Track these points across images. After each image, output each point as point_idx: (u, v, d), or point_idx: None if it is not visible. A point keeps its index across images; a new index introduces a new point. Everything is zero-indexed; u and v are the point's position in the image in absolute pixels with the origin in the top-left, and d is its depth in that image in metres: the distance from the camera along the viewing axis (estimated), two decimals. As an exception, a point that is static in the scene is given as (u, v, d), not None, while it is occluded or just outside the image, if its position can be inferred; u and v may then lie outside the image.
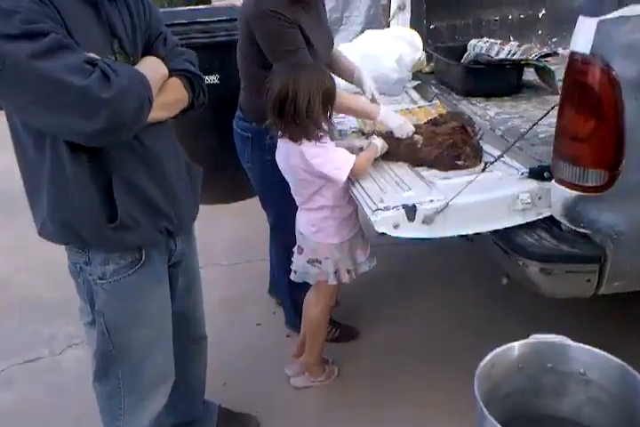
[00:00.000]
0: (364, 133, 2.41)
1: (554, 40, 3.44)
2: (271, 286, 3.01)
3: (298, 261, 2.27)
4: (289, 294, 2.64)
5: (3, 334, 3.04)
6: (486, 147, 2.23)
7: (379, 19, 4.24)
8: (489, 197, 1.88)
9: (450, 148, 2.12)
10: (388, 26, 3.20)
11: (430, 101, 2.88)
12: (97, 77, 1.30)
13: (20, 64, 1.26)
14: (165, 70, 1.56)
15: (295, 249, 2.28)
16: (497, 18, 3.38)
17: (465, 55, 3.08)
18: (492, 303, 2.91)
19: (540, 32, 3.44)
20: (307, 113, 1.94)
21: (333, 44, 2.36)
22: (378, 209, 1.84)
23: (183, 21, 3.63)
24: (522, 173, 1.97)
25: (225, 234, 3.74)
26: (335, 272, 2.21)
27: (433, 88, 3.00)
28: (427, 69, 3.22)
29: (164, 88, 1.55)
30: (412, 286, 3.16)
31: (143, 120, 1.41)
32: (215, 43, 3.62)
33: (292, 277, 2.31)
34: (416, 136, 2.20)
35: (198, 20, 3.63)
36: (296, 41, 2.07)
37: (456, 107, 2.72)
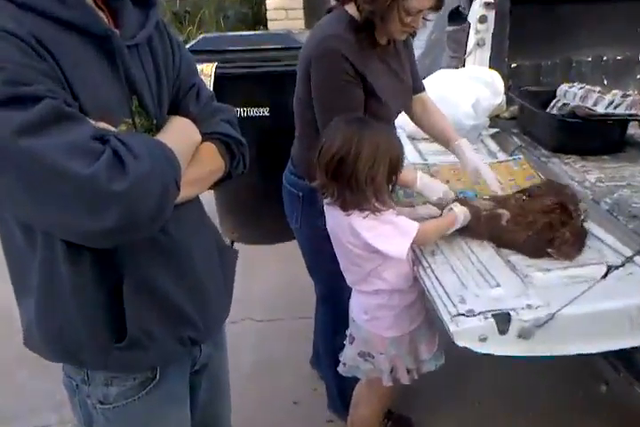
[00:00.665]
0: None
1: (656, 87, 2.98)
2: (314, 356, 2.60)
3: (348, 352, 1.87)
4: (334, 377, 2.23)
5: (10, 391, 2.72)
6: (589, 225, 1.81)
7: (441, 45, 3.84)
8: (605, 306, 1.45)
9: (543, 231, 1.70)
10: (464, 64, 2.79)
11: (512, 155, 2.46)
12: (107, 162, 0.93)
13: (4, 143, 0.90)
14: (198, 135, 1.20)
15: (347, 335, 1.88)
16: (589, 59, 2.94)
17: (554, 101, 2.65)
18: (564, 410, 2.44)
19: (638, 77, 2.98)
20: (367, 179, 1.56)
21: (412, 94, 1.97)
22: (459, 314, 1.43)
23: (233, 48, 3.30)
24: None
25: (262, 283, 3.34)
26: (391, 371, 1.80)
27: (515, 138, 2.58)
28: (506, 115, 2.80)
29: (195, 157, 1.18)
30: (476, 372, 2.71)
31: (168, 212, 1.04)
32: (268, 72, 3.28)
33: (341, 369, 1.91)
34: (501, 210, 1.78)
35: (250, 47, 3.29)
36: (353, 101, 1.70)
37: (545, 165, 2.29)
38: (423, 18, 1.64)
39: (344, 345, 1.92)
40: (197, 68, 1.29)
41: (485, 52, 2.76)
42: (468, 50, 2.73)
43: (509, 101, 2.73)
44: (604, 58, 2.95)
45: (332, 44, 1.65)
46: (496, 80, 2.60)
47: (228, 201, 3.65)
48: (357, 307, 1.79)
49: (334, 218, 1.69)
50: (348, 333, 1.89)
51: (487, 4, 2.62)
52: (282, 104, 3.01)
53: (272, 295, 3.25)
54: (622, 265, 1.48)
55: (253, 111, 3.32)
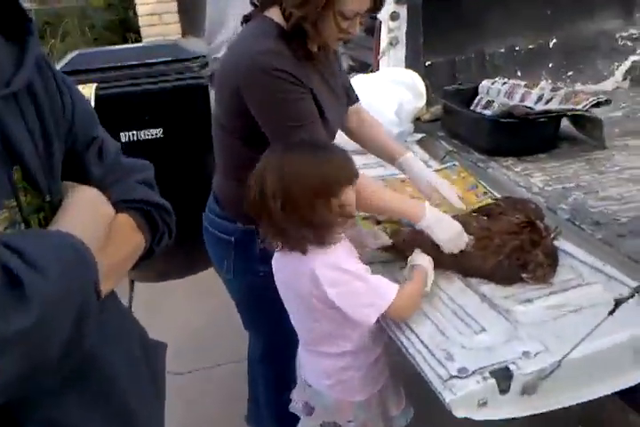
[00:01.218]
0: (378, 222, 1.75)
1: (569, 75, 2.90)
2: (250, 413, 2.22)
3: (305, 425, 1.59)
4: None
5: None
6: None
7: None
8: (611, 342, 1.27)
9: (513, 254, 1.50)
10: (377, 66, 2.57)
11: (444, 161, 2.26)
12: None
13: None
14: (109, 209, 0.88)
15: (297, 406, 1.59)
16: (502, 50, 2.81)
17: (477, 99, 2.49)
18: None
19: (550, 65, 2.89)
20: (309, 215, 1.28)
21: (347, 108, 1.71)
22: (451, 377, 1.19)
23: (114, 64, 2.90)
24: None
25: (175, 326, 2.86)
26: (362, 436, 1.54)
27: (443, 143, 2.38)
28: (427, 117, 2.61)
29: (107, 239, 0.86)
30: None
31: (88, 339, 0.72)
32: (158, 89, 2.91)
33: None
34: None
35: (134, 62, 2.91)
36: (308, 112, 1.42)
37: (485, 171, 2.11)
38: (360, 22, 1.38)
39: (290, 400, 1.64)
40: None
41: (400, 52, 2.55)
42: (382, 50, 2.51)
43: (429, 102, 2.54)
44: (517, 48, 2.83)
45: (266, 63, 1.35)
46: (417, 81, 2.40)
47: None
48: (316, 371, 1.51)
49: (287, 266, 1.41)
50: (295, 398, 1.60)
51: (398, 0, 2.40)
52: (177, 123, 2.68)
53: (190, 340, 2.80)
54: (631, 297, 1.30)
55: (145, 134, 2.95)
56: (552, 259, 1.52)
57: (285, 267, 1.43)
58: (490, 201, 1.74)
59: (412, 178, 1.71)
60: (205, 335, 2.86)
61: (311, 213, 1.27)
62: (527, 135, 2.14)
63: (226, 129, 1.53)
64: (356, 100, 1.75)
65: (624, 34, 2.89)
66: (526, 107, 2.08)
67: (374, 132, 1.75)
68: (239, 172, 1.44)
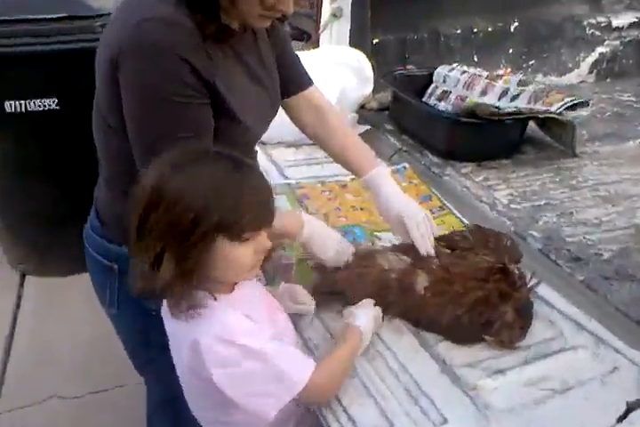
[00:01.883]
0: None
1: (531, 64, 2.58)
2: None
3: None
4: None
5: None
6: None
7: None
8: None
9: (476, 308, 1.17)
10: (317, 42, 2.16)
11: (392, 160, 1.91)
12: None
13: None
14: None
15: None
16: (459, 31, 2.46)
17: (431, 88, 2.13)
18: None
19: (511, 51, 2.56)
20: (191, 249, 0.89)
21: (279, 102, 1.28)
22: None
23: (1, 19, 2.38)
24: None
25: (66, 337, 2.43)
26: None
27: (391, 138, 2.03)
28: (373, 105, 2.24)
29: None
30: None
31: None
32: (52, 51, 2.41)
33: None
34: (420, 275, 1.22)
35: (24, 17, 2.39)
36: (194, 123, 1.01)
37: (440, 180, 1.77)
38: (295, -4, 0.98)
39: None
40: None
41: (344, 26, 2.15)
42: (323, 22, 2.10)
43: (375, 88, 2.16)
44: (475, 30, 2.48)
45: (156, 35, 0.93)
46: (364, 64, 2.01)
47: (10, 226, 2.75)
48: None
49: (168, 324, 1.03)
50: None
51: (345, -37, 2.00)
52: (75, 92, 2.17)
53: (83, 356, 2.36)
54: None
55: (35, 104, 2.45)
56: (524, 319, 1.19)
57: (167, 323, 1.05)
58: (459, 227, 1.40)
59: (377, 201, 1.31)
60: (104, 349, 2.43)
61: (196, 257, 0.88)
62: (490, 138, 1.81)
63: (109, 125, 1.10)
64: (308, 83, 1.32)
65: (592, 21, 2.59)
66: (493, 106, 1.74)
67: (340, 134, 1.33)
68: (126, 182, 1.02)
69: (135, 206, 0.89)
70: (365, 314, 1.12)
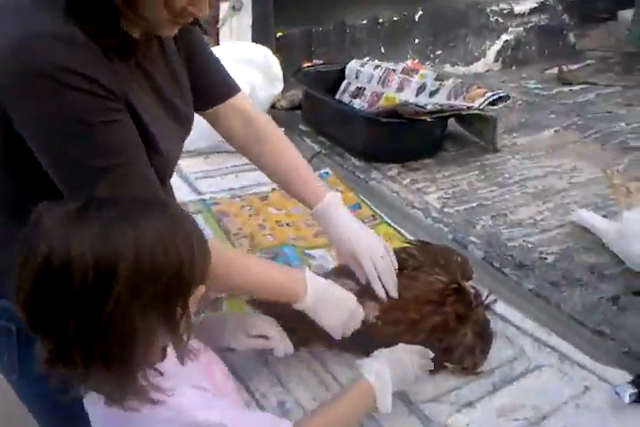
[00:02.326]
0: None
1: (438, 53, 2.52)
2: None
3: None
4: None
5: None
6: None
7: None
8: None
9: (434, 334, 1.06)
10: (217, 38, 1.98)
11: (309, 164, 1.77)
12: None
13: None
14: None
15: None
16: (364, 21, 2.35)
17: (344, 84, 2.01)
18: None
19: (417, 41, 2.49)
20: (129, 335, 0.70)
21: (192, 121, 1.08)
22: None
23: None
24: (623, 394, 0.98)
25: None
26: None
27: (307, 140, 1.89)
28: (283, 104, 2.09)
29: None
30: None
31: None
32: None
33: None
34: (368, 303, 1.09)
35: None
36: (126, 142, 0.80)
37: (366, 185, 1.66)
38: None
39: None
40: None
41: (245, 19, 1.97)
42: (222, 17, 1.92)
43: (285, 85, 2.01)
44: (380, 20, 2.38)
45: (42, 58, 0.72)
46: (271, 60, 1.85)
47: None
48: None
49: (93, 412, 0.83)
50: None
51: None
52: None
53: None
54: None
55: None
56: (484, 341, 1.10)
57: (95, 412, 0.85)
58: (396, 238, 1.28)
59: (329, 236, 1.13)
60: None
61: (132, 331, 0.69)
62: (414, 137, 1.71)
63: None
64: (235, 90, 1.10)
65: (495, 8, 2.56)
66: (416, 105, 1.64)
67: (282, 155, 1.13)
68: (10, 226, 0.81)
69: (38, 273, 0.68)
70: (381, 364, 0.93)
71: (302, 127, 1.96)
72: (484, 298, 1.12)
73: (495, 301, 1.14)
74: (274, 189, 1.61)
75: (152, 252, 0.67)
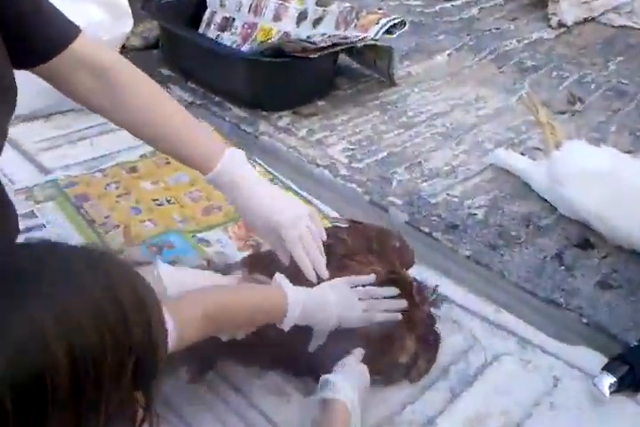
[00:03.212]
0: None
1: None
2: None
3: None
4: None
5: None
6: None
7: None
8: None
9: (373, 343, 0.86)
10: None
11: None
12: None
13: None
14: None
15: None
16: None
17: (206, 15, 1.67)
18: None
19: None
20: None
21: (12, 94, 0.75)
22: None
23: None
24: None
25: None
26: None
27: (173, 89, 1.56)
28: (135, 43, 1.72)
29: None
30: None
31: None
32: None
33: None
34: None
35: None
36: None
37: (256, 140, 1.38)
38: None
39: None
40: None
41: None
42: None
43: (135, 19, 1.63)
44: None
45: None
46: (114, -10, 1.46)
47: None
48: None
49: None
50: None
51: None
52: None
53: None
54: None
55: None
56: (430, 347, 0.91)
57: None
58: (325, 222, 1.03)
59: (237, 207, 0.86)
60: None
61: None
62: (302, 77, 1.44)
63: None
64: (74, 31, 0.78)
65: None
66: (303, 40, 1.35)
67: (161, 114, 0.83)
68: None
69: None
70: (346, 380, 0.77)
71: (164, 71, 1.61)
72: (428, 292, 0.93)
73: (442, 299, 0.94)
74: (143, 156, 1.30)
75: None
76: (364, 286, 0.84)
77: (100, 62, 0.81)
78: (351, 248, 0.92)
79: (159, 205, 1.18)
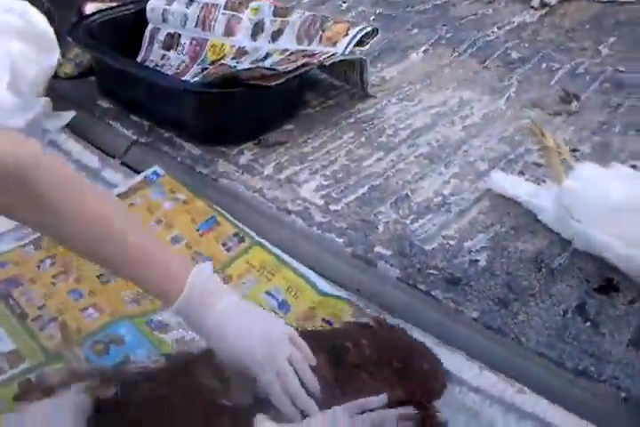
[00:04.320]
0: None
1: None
2: None
3: None
4: None
5: None
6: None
7: None
8: None
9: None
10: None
11: (124, 159, 1.27)
12: None
13: None
14: None
15: None
16: None
17: (147, 33, 1.46)
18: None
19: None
20: None
21: None
22: None
23: None
24: None
25: None
26: None
27: (114, 124, 1.36)
28: (67, 70, 1.50)
29: None
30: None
31: None
32: None
33: None
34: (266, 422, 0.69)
35: None
36: None
37: (214, 184, 1.19)
38: None
39: None
40: None
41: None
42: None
43: (62, 44, 1.42)
44: None
45: None
46: (33, 17, 1.25)
47: None
48: None
49: None
50: None
51: None
52: None
53: None
54: None
55: None
56: None
57: None
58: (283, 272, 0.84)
59: (208, 342, 0.73)
60: None
61: None
62: (263, 106, 1.24)
63: None
64: None
65: None
66: (264, 68, 1.15)
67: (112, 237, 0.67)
68: None
69: None
70: None
71: (103, 103, 1.41)
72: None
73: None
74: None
75: None
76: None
77: (21, 173, 0.63)
78: (367, 359, 0.74)
79: (105, 282, 0.99)
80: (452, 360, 0.86)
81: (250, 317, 0.70)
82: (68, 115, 1.33)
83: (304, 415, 0.68)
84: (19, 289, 0.96)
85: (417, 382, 0.73)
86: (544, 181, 1.17)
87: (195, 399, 0.68)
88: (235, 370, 0.69)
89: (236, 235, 1.08)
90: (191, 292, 0.67)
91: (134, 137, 1.30)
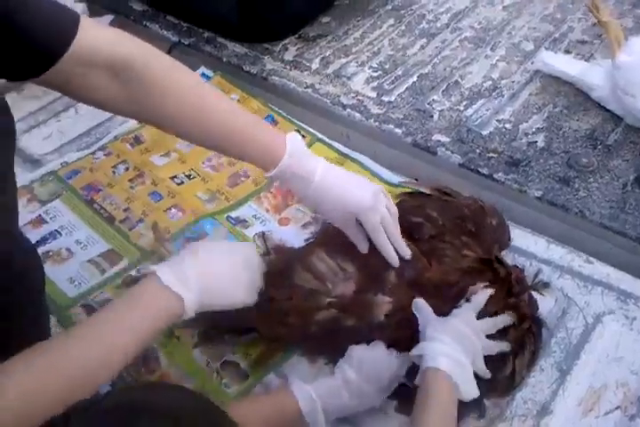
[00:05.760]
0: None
1: None
2: None
3: None
4: None
5: None
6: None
7: None
8: None
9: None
10: None
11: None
12: None
13: None
14: None
15: None
16: None
17: None
18: None
19: None
20: None
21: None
22: None
23: None
24: None
25: None
26: None
27: (152, 26, 1.33)
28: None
29: None
30: None
31: None
32: None
33: None
34: (376, 299, 0.76)
35: None
36: None
37: (264, 82, 1.19)
38: None
39: None
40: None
41: None
42: None
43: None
44: None
45: None
46: None
47: None
48: None
49: None
50: None
51: None
52: None
53: None
54: None
55: None
56: (532, 349, 0.80)
57: None
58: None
59: (309, 201, 0.78)
60: None
61: None
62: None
63: None
64: (72, 25, 0.60)
65: None
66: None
67: (202, 108, 0.70)
68: None
69: None
70: (447, 344, 0.67)
71: (136, 6, 1.37)
72: (530, 279, 0.81)
73: (547, 284, 0.83)
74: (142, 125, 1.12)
75: None
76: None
77: (120, 57, 0.64)
78: (441, 228, 0.80)
79: (179, 183, 1.03)
80: (515, 236, 0.91)
81: (345, 175, 0.76)
82: (107, 18, 1.31)
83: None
84: (99, 194, 1.01)
85: (490, 239, 0.79)
86: (594, 58, 1.17)
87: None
88: (340, 220, 0.75)
89: (297, 131, 1.10)
90: (290, 156, 0.71)
91: (174, 38, 1.28)
